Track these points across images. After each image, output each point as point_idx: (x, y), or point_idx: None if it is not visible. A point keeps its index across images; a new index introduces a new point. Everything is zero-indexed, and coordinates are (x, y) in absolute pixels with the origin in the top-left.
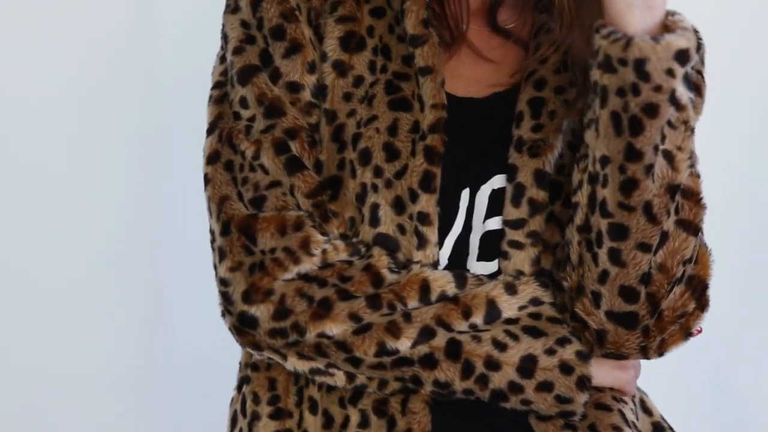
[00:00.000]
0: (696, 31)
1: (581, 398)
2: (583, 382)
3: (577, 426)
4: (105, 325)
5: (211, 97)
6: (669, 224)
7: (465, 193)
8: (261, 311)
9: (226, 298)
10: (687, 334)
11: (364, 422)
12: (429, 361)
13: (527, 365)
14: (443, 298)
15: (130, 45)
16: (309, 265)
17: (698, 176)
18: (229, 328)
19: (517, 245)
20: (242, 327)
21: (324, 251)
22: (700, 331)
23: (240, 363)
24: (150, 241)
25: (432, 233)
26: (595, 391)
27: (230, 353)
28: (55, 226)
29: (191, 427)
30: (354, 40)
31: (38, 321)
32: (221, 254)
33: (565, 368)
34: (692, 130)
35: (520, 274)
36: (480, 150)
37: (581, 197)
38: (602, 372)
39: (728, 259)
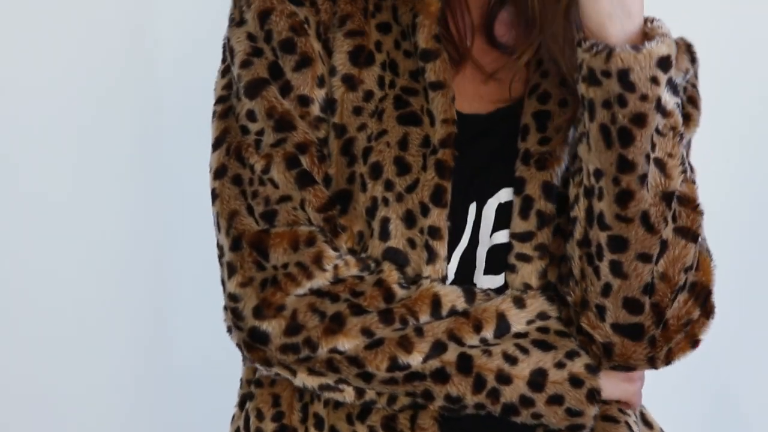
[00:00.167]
0: (690, 46)
1: (591, 411)
2: (593, 395)
3: None
4: (105, 342)
5: (214, 113)
6: (668, 233)
7: (472, 208)
8: (272, 327)
9: (235, 314)
10: (694, 342)
11: None
12: (441, 376)
13: (537, 379)
14: (453, 312)
15: (129, 66)
16: (321, 280)
17: (693, 182)
18: (238, 344)
19: (524, 258)
20: (253, 343)
21: (336, 266)
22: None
23: (241, 380)
24: (151, 261)
25: (442, 247)
26: (601, 404)
27: (230, 371)
28: (57, 246)
29: None
30: (363, 54)
31: (40, 339)
32: (231, 270)
33: (575, 381)
34: (681, 136)
35: (527, 287)
36: (485, 164)
37: (579, 211)
38: (610, 384)
39: (727, 264)
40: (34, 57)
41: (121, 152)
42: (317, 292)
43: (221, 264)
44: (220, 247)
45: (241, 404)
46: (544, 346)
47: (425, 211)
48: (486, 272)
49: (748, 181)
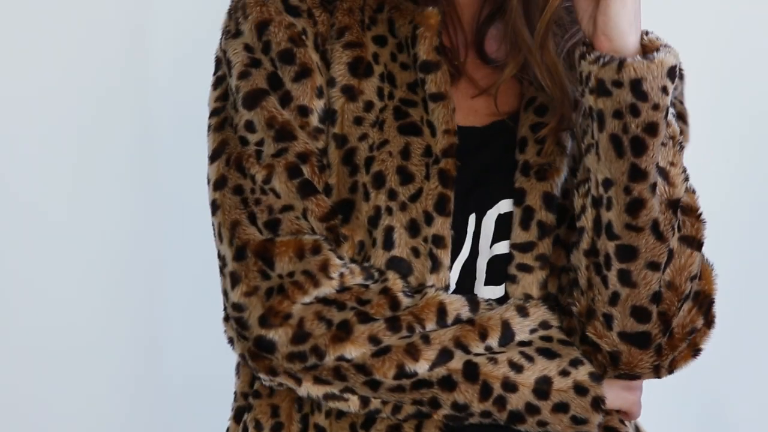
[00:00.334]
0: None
1: (596, 419)
2: (598, 403)
3: None
4: (100, 359)
5: (210, 126)
6: (673, 242)
7: (472, 218)
8: (279, 335)
9: (240, 323)
10: (695, 351)
11: None
12: (448, 383)
13: (542, 387)
14: (458, 321)
15: (128, 67)
16: (328, 288)
17: (693, 192)
18: (241, 354)
19: (525, 268)
20: (258, 352)
21: (341, 275)
22: None
23: (235, 393)
24: (147, 270)
25: (445, 256)
26: (603, 414)
27: (225, 385)
28: (53, 265)
29: None
30: (362, 65)
31: (36, 356)
32: (234, 279)
33: (580, 389)
34: (681, 146)
35: (528, 297)
36: (484, 176)
37: (586, 221)
38: (612, 393)
39: (727, 265)
40: (33, 59)
41: (119, 157)
42: (323, 300)
43: (223, 274)
44: (221, 258)
45: (237, 417)
46: (549, 354)
47: (429, 220)
48: (486, 283)
49: (748, 181)
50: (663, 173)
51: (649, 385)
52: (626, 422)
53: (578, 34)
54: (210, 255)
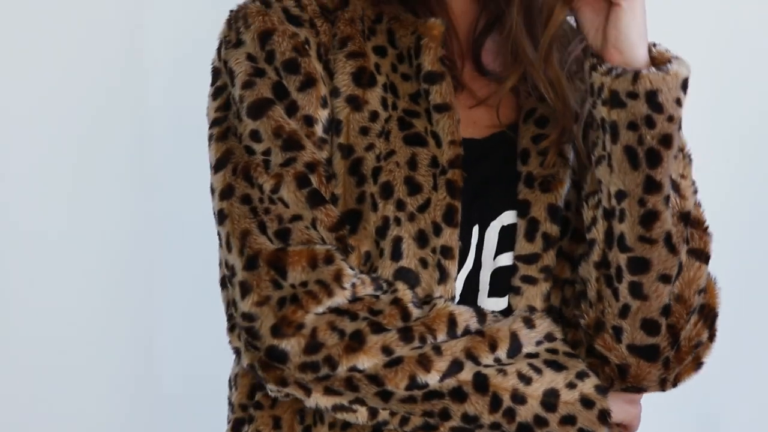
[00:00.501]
0: None
1: None
2: (604, 416)
3: None
4: (100, 360)
5: (211, 136)
6: (683, 254)
7: (475, 230)
8: (292, 345)
9: (251, 333)
10: (698, 364)
11: None
12: (458, 395)
13: (550, 399)
14: (467, 332)
15: (124, 81)
16: (341, 298)
17: (699, 205)
18: (251, 365)
19: (530, 280)
20: (270, 362)
21: (354, 285)
22: None
23: (232, 404)
24: (147, 275)
25: (453, 267)
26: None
27: (223, 388)
28: (50, 282)
29: None
30: (365, 75)
31: (35, 355)
32: (245, 289)
33: (586, 402)
34: (690, 158)
35: (531, 309)
36: (486, 188)
37: (597, 233)
38: (615, 406)
39: (727, 264)
40: (33, 59)
41: (119, 156)
42: (336, 311)
43: (232, 284)
44: (230, 267)
45: (235, 428)
46: (556, 366)
47: (438, 231)
48: (490, 295)
49: (748, 181)
50: (674, 185)
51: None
52: None
53: (580, 45)
54: (210, 255)
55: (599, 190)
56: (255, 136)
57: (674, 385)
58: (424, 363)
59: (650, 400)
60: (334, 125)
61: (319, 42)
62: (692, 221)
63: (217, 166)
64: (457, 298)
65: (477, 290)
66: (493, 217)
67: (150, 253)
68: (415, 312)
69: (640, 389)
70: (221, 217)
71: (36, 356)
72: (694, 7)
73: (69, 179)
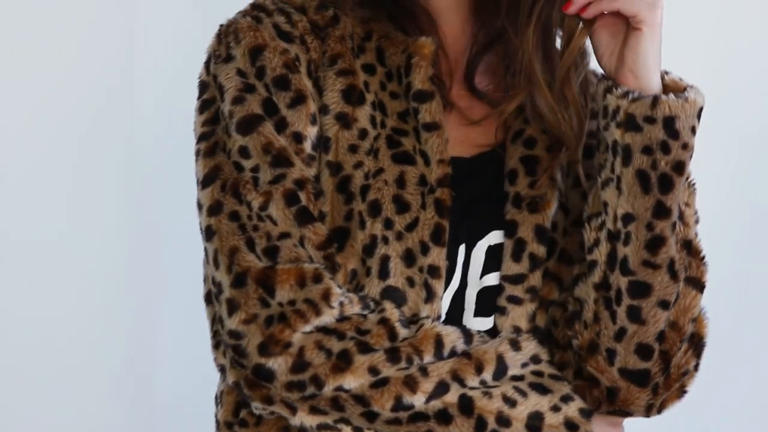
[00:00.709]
0: None
1: None
2: None
3: None
4: (99, 360)
5: (199, 151)
6: (682, 282)
7: (461, 249)
8: (279, 364)
9: (237, 351)
10: (683, 392)
11: None
12: (444, 417)
13: (534, 422)
14: (454, 353)
15: (124, 81)
16: (328, 317)
17: (697, 234)
18: (236, 382)
19: (516, 300)
20: (257, 380)
21: (341, 304)
22: None
23: (218, 422)
24: (146, 275)
25: (439, 286)
26: None
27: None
28: (43, 290)
29: None
30: (355, 93)
31: (33, 355)
32: (232, 306)
33: (570, 426)
34: (694, 187)
35: (517, 330)
36: (473, 207)
37: (599, 255)
38: (599, 430)
39: (726, 265)
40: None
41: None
42: (323, 330)
43: (219, 301)
44: (217, 284)
45: None
46: (541, 389)
47: (425, 250)
48: (476, 314)
49: (748, 181)
50: (679, 213)
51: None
52: None
53: (585, 68)
54: None
55: (604, 212)
56: (244, 152)
57: (659, 411)
58: (411, 384)
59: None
60: (322, 142)
61: (309, 59)
62: (691, 250)
63: (204, 182)
64: (443, 317)
65: (463, 309)
66: (480, 237)
67: (150, 253)
68: (402, 332)
69: (627, 413)
70: (209, 233)
71: (35, 356)
72: (695, 6)
73: (69, 179)
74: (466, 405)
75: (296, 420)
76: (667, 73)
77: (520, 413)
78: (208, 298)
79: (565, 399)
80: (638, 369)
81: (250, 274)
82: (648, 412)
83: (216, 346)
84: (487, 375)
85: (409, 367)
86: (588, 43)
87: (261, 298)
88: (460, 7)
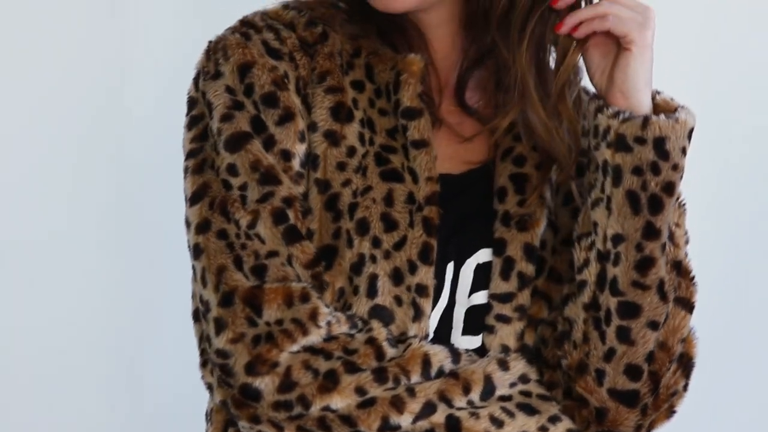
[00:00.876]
0: None
1: None
2: None
3: None
4: (88, 385)
5: (187, 168)
6: (671, 302)
7: (450, 267)
8: (266, 383)
9: (225, 371)
10: (671, 412)
11: None
12: None
13: None
14: (441, 373)
15: (123, 81)
16: (316, 337)
17: (686, 254)
18: (224, 401)
19: (504, 319)
20: (244, 400)
21: (329, 323)
22: None
23: None
24: (137, 300)
25: (427, 305)
26: None
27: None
28: (43, 290)
29: None
30: (344, 110)
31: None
32: (219, 325)
33: None
34: (684, 208)
35: (505, 348)
36: (462, 225)
37: (589, 275)
38: None
39: (725, 264)
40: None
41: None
42: (310, 349)
43: (206, 319)
44: (204, 302)
45: None
46: (529, 410)
47: (413, 269)
48: (464, 333)
49: (748, 181)
50: (669, 234)
51: None
52: None
53: (577, 85)
54: None
55: (594, 232)
56: (232, 169)
57: (648, 431)
58: (398, 404)
59: None
60: (311, 160)
61: (298, 76)
62: (680, 270)
63: (193, 199)
64: (431, 336)
65: (451, 328)
66: (469, 255)
67: (150, 253)
68: (390, 351)
69: None
70: (197, 251)
71: (35, 357)
72: (695, 6)
73: (69, 179)
74: (453, 425)
75: None
76: (658, 92)
77: None
78: (196, 316)
79: (553, 420)
80: (627, 389)
81: (238, 293)
82: None
83: (203, 364)
84: (475, 395)
85: (396, 387)
86: (581, 60)
87: (248, 317)
88: (450, 21)
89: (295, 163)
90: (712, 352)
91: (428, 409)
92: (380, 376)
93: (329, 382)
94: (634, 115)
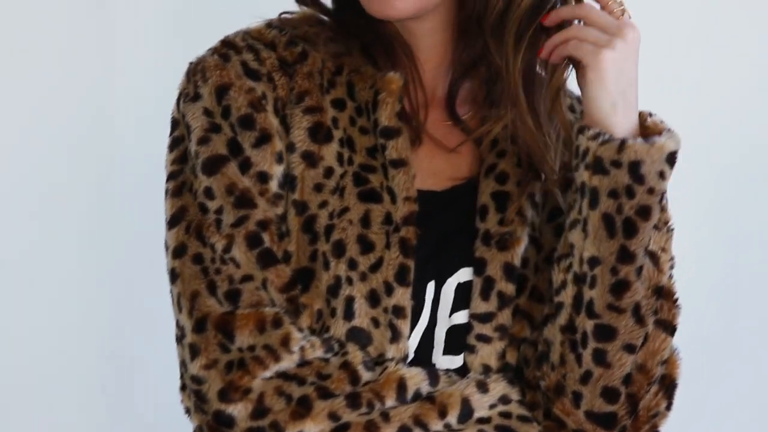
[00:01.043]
0: None
1: None
2: None
3: None
4: (88, 385)
5: (167, 190)
6: (650, 325)
7: (430, 286)
8: (239, 410)
9: (199, 396)
10: None
11: None
12: None
13: None
14: (418, 396)
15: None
16: (288, 362)
17: (671, 276)
18: (200, 426)
19: (484, 339)
20: (217, 426)
21: (302, 348)
22: None
23: None
24: (137, 299)
25: (405, 326)
26: None
27: None
28: (43, 290)
29: None
30: (322, 131)
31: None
32: (194, 351)
33: None
34: (672, 231)
35: (486, 368)
36: (443, 243)
37: (565, 297)
38: None
39: (723, 264)
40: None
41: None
42: (283, 375)
43: (182, 345)
44: (180, 328)
45: None
46: None
47: (389, 291)
48: (445, 352)
49: (748, 182)
50: (653, 258)
51: None
52: None
53: (565, 95)
54: None
55: (571, 253)
56: (208, 193)
57: None
58: (372, 429)
59: None
60: (289, 181)
61: (276, 96)
62: (664, 293)
63: (171, 223)
64: (411, 356)
65: (432, 347)
66: (450, 274)
67: (149, 253)
68: (366, 375)
69: None
70: (173, 276)
71: (35, 357)
72: (696, 5)
73: (68, 178)
74: None
75: None
76: (650, 114)
77: None
78: (177, 339)
79: None
80: (604, 412)
81: (210, 320)
82: None
83: (182, 387)
84: (452, 418)
85: (371, 412)
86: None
87: (221, 343)
88: (443, 30)
89: (273, 185)
90: (712, 352)
91: None
92: (354, 401)
93: (302, 408)
94: (613, 137)
